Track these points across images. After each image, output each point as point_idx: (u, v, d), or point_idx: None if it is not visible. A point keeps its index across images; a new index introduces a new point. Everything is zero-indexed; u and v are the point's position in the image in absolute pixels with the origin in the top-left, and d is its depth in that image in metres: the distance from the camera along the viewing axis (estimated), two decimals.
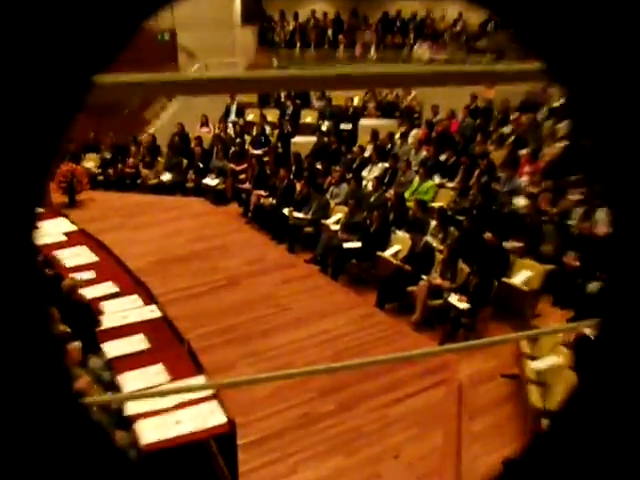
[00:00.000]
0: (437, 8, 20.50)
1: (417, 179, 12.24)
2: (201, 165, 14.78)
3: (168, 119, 17.69)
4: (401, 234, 10.63)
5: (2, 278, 1.26)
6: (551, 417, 5.72)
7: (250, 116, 17.38)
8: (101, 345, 6.66)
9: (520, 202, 11.01)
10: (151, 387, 5.83)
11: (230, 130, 16.63)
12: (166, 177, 14.77)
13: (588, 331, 6.68)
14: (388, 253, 10.22)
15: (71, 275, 8.01)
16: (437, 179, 12.56)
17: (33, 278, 1.26)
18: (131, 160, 15.40)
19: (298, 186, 12.56)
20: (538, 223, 10.20)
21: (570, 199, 10.63)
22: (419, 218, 10.53)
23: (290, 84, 1.64)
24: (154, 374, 6.13)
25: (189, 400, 5.62)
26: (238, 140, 15.82)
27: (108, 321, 7.16)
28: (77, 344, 5.86)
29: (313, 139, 15.61)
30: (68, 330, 5.95)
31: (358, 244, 10.51)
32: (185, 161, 15.03)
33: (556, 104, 14.39)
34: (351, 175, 12.84)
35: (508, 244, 9.88)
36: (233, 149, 15.17)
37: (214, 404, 5.67)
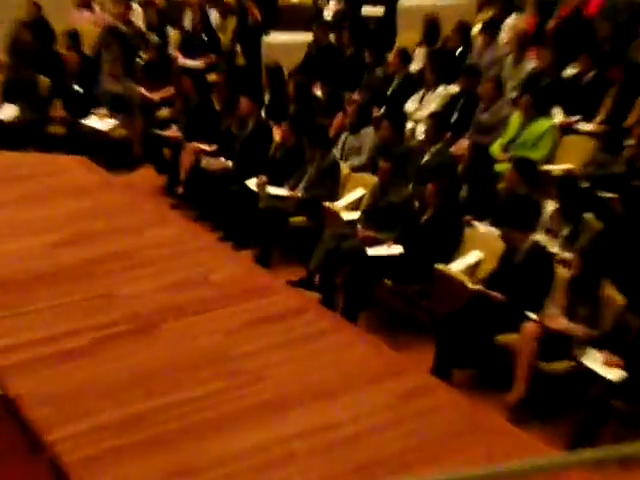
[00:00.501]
0: None
1: (517, 116, 7.65)
2: (79, 89, 9.32)
3: None
4: (483, 228, 6.52)
5: None
6: None
7: None
8: None
9: None
10: None
11: (137, 16, 10.56)
12: (5, 113, 9.22)
13: None
14: (456, 267, 6.25)
15: None
16: (558, 115, 7.88)
17: None
18: None
19: (276, 133, 7.98)
20: None
21: None
22: (520, 197, 6.14)
23: None
24: None
25: None
26: (154, 38, 10.12)
27: None
28: None
29: (307, 37, 10.06)
30: None
31: (396, 249, 6.30)
32: (46, 80, 9.48)
33: None
34: (382, 110, 8.31)
35: None
36: (144, 56, 9.84)
37: None
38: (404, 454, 5.16)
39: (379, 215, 6.61)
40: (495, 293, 5.88)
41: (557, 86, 7.87)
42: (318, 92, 8.86)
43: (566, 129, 7.52)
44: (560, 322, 5.69)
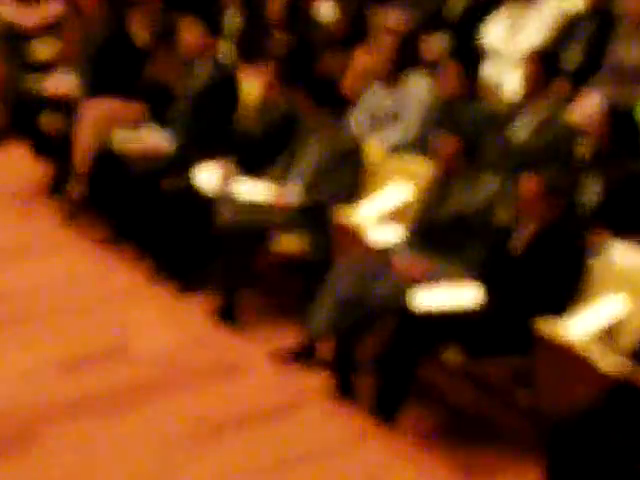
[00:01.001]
0: None
1: None
2: None
3: None
4: (626, 254, 4.09)
5: None
6: None
7: None
8: None
9: None
10: None
11: None
12: None
13: None
14: (579, 328, 3.73)
15: None
16: None
17: None
18: None
19: (249, 85, 5.49)
20: None
21: None
22: None
23: None
24: None
25: None
26: None
27: None
28: None
29: None
30: None
31: (469, 295, 3.94)
32: None
33: None
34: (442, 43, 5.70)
35: None
36: None
37: None
38: None
39: (439, 233, 4.15)
40: None
41: None
42: (324, 10, 6.13)
43: None
44: None
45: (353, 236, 4.53)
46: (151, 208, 5.26)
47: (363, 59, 5.43)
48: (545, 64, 4.65)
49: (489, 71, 5.40)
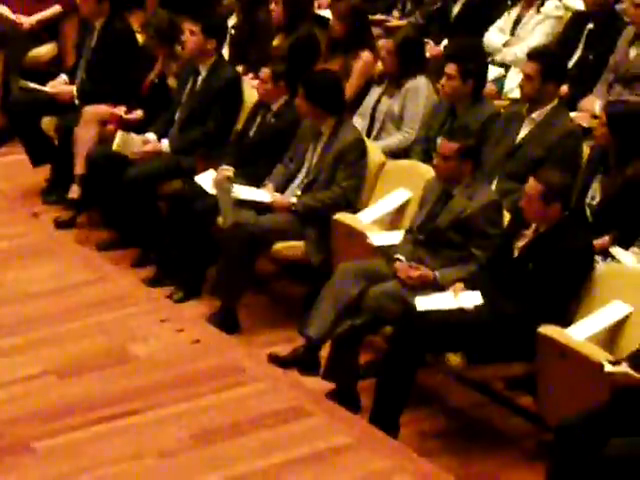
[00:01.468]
0: None
1: None
2: None
3: None
4: (630, 260, 4.18)
5: None
6: None
7: None
8: None
9: None
10: None
11: None
12: None
13: None
14: (582, 332, 3.77)
15: None
16: None
17: None
18: None
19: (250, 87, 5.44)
20: None
21: None
22: None
23: None
24: None
25: None
26: None
27: None
28: None
29: None
30: None
31: (469, 298, 4.13)
32: None
33: None
34: (443, 44, 5.81)
35: None
36: None
37: None
38: None
39: (439, 238, 4.19)
40: None
41: None
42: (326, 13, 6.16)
43: None
44: None
45: (353, 240, 4.58)
46: (150, 212, 5.26)
47: (364, 62, 5.41)
48: (548, 65, 4.57)
49: (491, 73, 5.33)
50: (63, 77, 6.12)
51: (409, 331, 4.02)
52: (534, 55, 4.69)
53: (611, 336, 4.07)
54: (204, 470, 4.04)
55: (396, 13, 6.42)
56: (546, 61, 4.56)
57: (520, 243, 4.08)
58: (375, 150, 4.89)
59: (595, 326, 4.06)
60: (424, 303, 4.12)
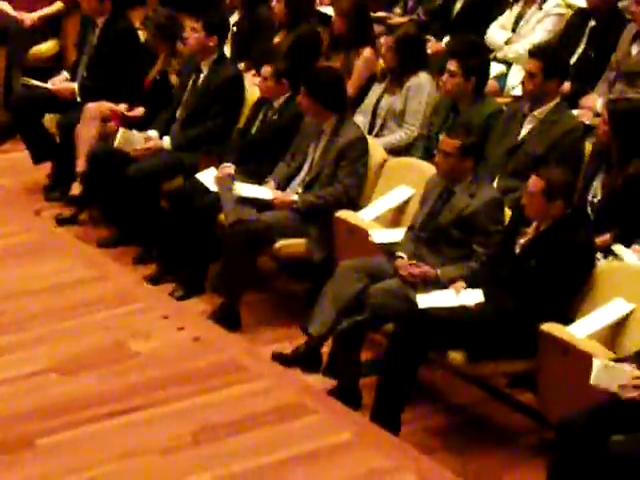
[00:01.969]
0: None
1: None
2: None
3: None
4: (632, 259, 4.15)
5: None
6: None
7: None
8: None
9: None
10: None
11: None
12: None
13: None
14: (584, 329, 3.80)
15: None
16: None
17: None
18: None
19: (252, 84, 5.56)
20: None
21: None
22: None
23: None
24: None
25: None
26: None
27: None
28: None
29: None
30: None
31: (471, 295, 4.12)
32: None
33: None
34: (445, 41, 5.92)
35: None
36: None
37: None
38: None
39: (440, 236, 4.17)
40: None
41: None
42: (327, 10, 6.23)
43: None
44: None
45: (355, 238, 4.55)
46: (152, 209, 5.24)
47: (366, 59, 5.41)
48: (549, 62, 4.56)
49: (493, 70, 5.33)
50: (65, 74, 6.07)
51: (411, 328, 4.01)
52: (536, 52, 4.68)
53: (613, 334, 4.03)
54: (206, 467, 4.00)
55: (398, 10, 6.44)
56: (548, 58, 4.56)
57: (522, 240, 3.99)
58: (377, 147, 4.87)
59: (597, 324, 4.05)
60: (426, 300, 4.14)
